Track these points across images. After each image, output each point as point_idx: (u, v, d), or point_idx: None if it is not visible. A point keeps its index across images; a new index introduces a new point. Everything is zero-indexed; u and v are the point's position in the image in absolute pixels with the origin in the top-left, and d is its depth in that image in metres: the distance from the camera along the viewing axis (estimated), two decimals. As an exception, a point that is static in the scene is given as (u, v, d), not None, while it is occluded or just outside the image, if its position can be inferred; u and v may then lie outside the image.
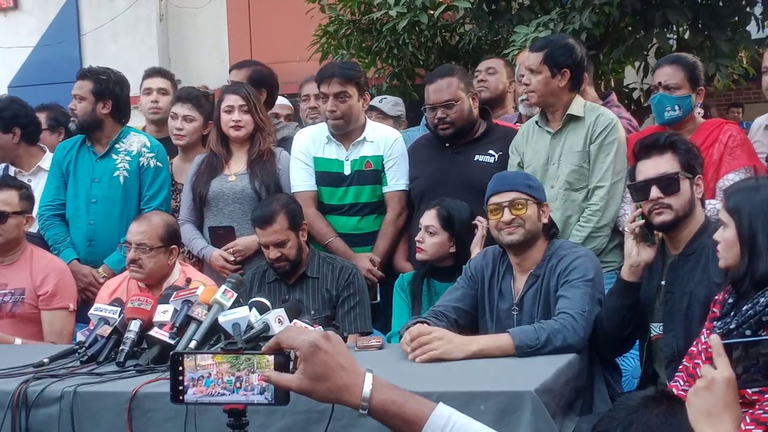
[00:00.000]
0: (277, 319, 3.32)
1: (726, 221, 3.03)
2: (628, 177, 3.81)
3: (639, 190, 3.61)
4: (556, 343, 3.35)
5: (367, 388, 1.72)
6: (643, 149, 3.64)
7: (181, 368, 1.82)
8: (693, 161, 3.60)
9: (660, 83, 4.50)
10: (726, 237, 3.03)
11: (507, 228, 3.70)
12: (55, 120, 6.08)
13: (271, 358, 1.78)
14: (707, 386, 1.78)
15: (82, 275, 4.90)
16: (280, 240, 4.34)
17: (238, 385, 1.80)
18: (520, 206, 3.70)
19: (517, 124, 5.16)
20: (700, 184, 3.62)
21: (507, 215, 3.69)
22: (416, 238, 4.39)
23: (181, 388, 1.82)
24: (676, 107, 4.46)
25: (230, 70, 6.03)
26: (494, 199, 3.75)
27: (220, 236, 4.86)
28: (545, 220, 3.77)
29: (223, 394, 1.81)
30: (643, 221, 3.56)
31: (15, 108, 5.46)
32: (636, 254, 3.54)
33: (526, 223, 3.70)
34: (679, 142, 3.62)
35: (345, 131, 4.90)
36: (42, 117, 5.93)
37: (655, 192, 3.52)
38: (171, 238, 4.43)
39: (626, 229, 3.62)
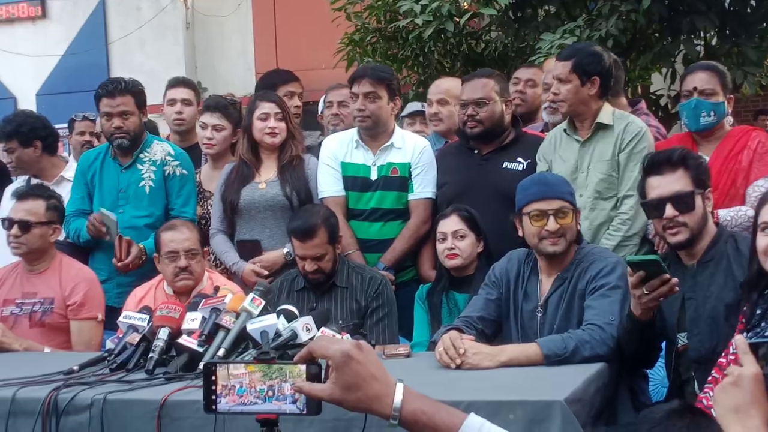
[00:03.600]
0: (304, 327, 3.32)
1: None
2: (639, 192, 3.74)
3: (653, 208, 3.56)
4: (585, 353, 3.33)
5: (398, 398, 1.72)
6: (654, 165, 3.58)
7: (213, 378, 1.83)
8: (703, 175, 3.57)
9: (695, 88, 4.47)
10: None
11: (551, 238, 3.65)
12: None
13: (303, 367, 1.78)
14: (734, 382, 1.77)
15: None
16: (320, 254, 4.33)
17: (270, 394, 1.80)
18: (564, 215, 3.66)
19: (543, 132, 5.15)
20: (710, 197, 3.59)
21: (552, 224, 3.64)
22: (445, 246, 4.35)
23: (213, 397, 1.83)
24: (712, 113, 4.44)
25: (281, 82, 5.97)
26: (539, 206, 3.68)
27: (247, 249, 4.88)
28: (578, 227, 3.76)
29: (256, 404, 1.81)
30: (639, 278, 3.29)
31: (32, 121, 5.50)
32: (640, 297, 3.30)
33: (568, 234, 3.67)
34: (690, 158, 3.58)
35: (373, 132, 4.91)
36: None
37: (670, 211, 3.48)
38: (204, 241, 4.51)
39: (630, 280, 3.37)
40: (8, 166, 5.63)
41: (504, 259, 3.94)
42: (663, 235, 3.56)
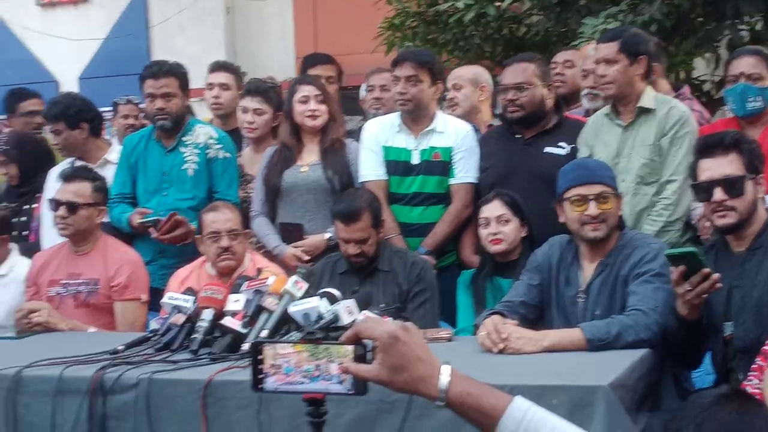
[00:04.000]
0: (346, 310, 3.35)
1: None
2: (690, 174, 3.72)
3: (702, 191, 3.53)
4: (628, 339, 3.31)
5: (445, 379, 1.72)
6: (706, 148, 3.55)
7: (261, 357, 1.84)
8: (756, 160, 3.53)
9: (742, 73, 4.42)
10: None
11: (592, 223, 3.62)
12: None
13: (350, 348, 1.79)
14: None
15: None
16: (363, 237, 4.34)
17: (317, 373, 1.81)
18: (605, 200, 3.64)
19: (585, 117, 5.12)
20: (762, 183, 3.55)
21: (594, 209, 3.61)
22: (489, 231, 4.34)
23: (261, 376, 1.84)
24: (759, 98, 4.40)
25: (312, 64, 6.01)
26: (579, 191, 3.65)
27: (289, 233, 4.90)
28: (620, 213, 3.73)
29: (302, 383, 1.82)
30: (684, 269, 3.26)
31: (79, 103, 5.54)
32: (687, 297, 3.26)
33: (609, 219, 3.64)
34: (743, 142, 3.54)
35: (414, 116, 4.90)
36: None
37: (719, 194, 3.44)
38: (245, 223, 4.56)
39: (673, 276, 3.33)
40: (54, 147, 5.68)
41: (545, 245, 3.92)
42: (711, 218, 3.53)
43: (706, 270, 3.19)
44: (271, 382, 1.84)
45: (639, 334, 3.32)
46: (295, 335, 3.28)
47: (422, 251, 4.75)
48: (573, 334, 3.34)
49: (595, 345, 3.28)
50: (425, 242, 4.81)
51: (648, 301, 3.42)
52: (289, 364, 1.83)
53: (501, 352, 3.29)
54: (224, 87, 5.92)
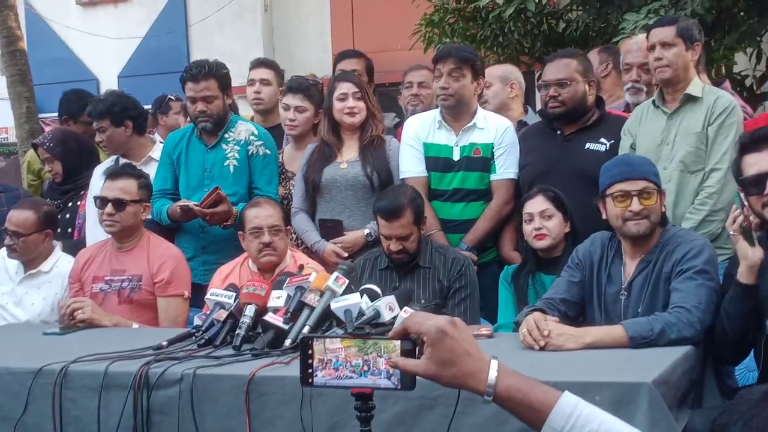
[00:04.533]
0: (387, 306, 3.36)
1: None
2: (733, 170, 3.67)
3: (752, 184, 3.46)
4: (671, 336, 3.29)
5: (493, 374, 1.72)
6: (753, 142, 3.50)
7: (310, 352, 1.85)
8: None
9: None
10: None
11: (635, 219, 3.61)
12: None
13: (398, 343, 1.80)
14: None
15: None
16: (405, 234, 4.35)
17: (365, 368, 1.82)
18: (648, 196, 3.62)
19: (626, 113, 5.09)
20: None
21: (636, 205, 3.60)
22: (533, 227, 4.31)
23: (310, 371, 1.86)
24: None
25: (341, 59, 6.07)
26: (622, 186, 3.65)
27: (329, 229, 4.92)
28: (663, 209, 3.71)
29: (351, 378, 1.84)
30: (742, 217, 3.41)
31: (124, 101, 5.59)
32: (753, 254, 3.37)
33: (652, 215, 3.63)
34: None
35: (455, 112, 4.90)
36: None
37: None
38: (287, 219, 4.60)
39: (731, 231, 3.48)
40: (99, 144, 5.74)
41: (587, 242, 3.90)
42: (761, 213, 3.48)
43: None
44: (320, 377, 1.86)
45: (682, 332, 3.31)
46: (338, 331, 3.29)
47: (463, 247, 4.75)
48: (615, 332, 3.32)
49: (638, 342, 3.26)
50: (466, 238, 4.80)
51: (691, 298, 3.40)
52: (338, 359, 1.84)
53: (542, 348, 3.29)
54: (265, 83, 5.96)
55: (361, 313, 3.35)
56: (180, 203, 5.04)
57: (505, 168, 4.87)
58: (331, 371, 1.84)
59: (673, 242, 3.64)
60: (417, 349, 1.78)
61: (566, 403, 1.69)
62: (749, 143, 3.52)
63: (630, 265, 3.72)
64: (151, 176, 5.14)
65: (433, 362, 1.73)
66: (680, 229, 3.87)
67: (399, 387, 1.81)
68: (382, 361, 1.81)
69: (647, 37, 4.67)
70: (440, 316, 1.80)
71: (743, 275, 3.40)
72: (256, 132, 5.27)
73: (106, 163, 5.57)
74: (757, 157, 3.46)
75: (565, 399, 1.69)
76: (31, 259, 4.96)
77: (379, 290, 3.55)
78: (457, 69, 4.83)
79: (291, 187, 5.26)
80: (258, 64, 6.13)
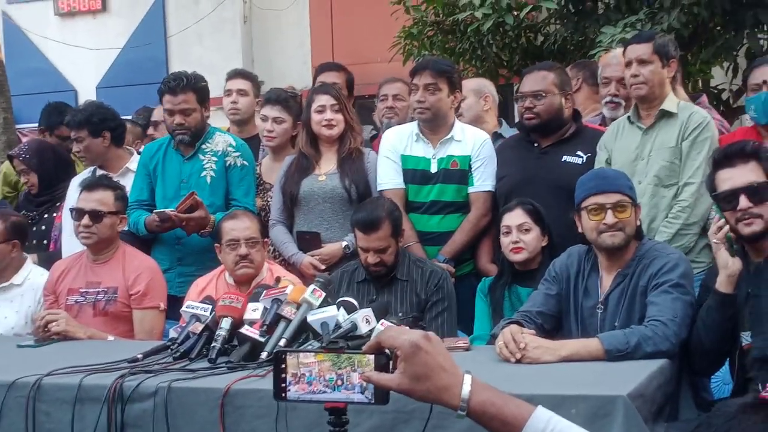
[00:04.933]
0: (364, 319, 3.35)
1: None
2: (707, 185, 3.71)
3: (725, 200, 3.51)
4: (647, 349, 3.30)
5: (466, 389, 1.72)
6: (726, 157, 3.55)
7: (284, 366, 1.84)
8: None
9: (765, 81, 4.44)
10: None
11: (609, 231, 3.63)
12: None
13: (372, 357, 1.79)
14: None
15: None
16: (383, 246, 4.35)
17: (339, 383, 1.81)
18: (623, 209, 3.64)
19: (602, 126, 5.12)
20: None
21: (610, 218, 3.62)
22: (510, 240, 4.33)
23: (283, 385, 1.84)
24: None
25: (321, 71, 6.07)
26: (596, 199, 3.67)
27: (307, 241, 4.92)
28: (638, 223, 3.72)
29: (325, 392, 1.83)
30: (728, 226, 3.48)
31: (103, 112, 5.57)
32: (733, 263, 3.44)
33: (627, 228, 3.65)
34: (763, 151, 3.55)
35: (432, 125, 4.91)
36: None
37: (744, 202, 3.44)
38: (264, 231, 4.60)
39: (714, 240, 3.53)
40: (76, 155, 5.70)
41: (564, 255, 3.92)
42: (736, 228, 3.51)
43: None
44: (294, 391, 1.85)
45: (658, 345, 3.32)
46: (314, 344, 3.28)
47: (441, 259, 4.76)
48: (591, 345, 3.33)
49: (614, 356, 3.27)
50: (444, 250, 4.81)
51: (667, 311, 3.42)
52: (312, 374, 1.83)
53: (519, 361, 3.29)
54: (242, 93, 5.97)
55: (338, 326, 3.34)
56: (157, 211, 5.02)
57: (483, 180, 4.88)
58: (305, 385, 1.83)
59: (649, 256, 3.65)
60: (391, 363, 1.78)
61: (539, 418, 1.68)
62: (722, 159, 3.56)
63: (606, 279, 3.73)
64: (129, 187, 5.12)
65: (407, 377, 1.73)
66: (656, 242, 3.89)
67: (372, 401, 1.80)
68: (356, 375, 1.80)
69: (623, 53, 4.71)
70: (414, 330, 1.79)
71: (722, 284, 3.45)
72: (233, 143, 5.26)
73: (83, 174, 5.54)
74: (730, 172, 3.49)
75: (538, 413, 1.69)
76: (0, 271, 4.92)
77: (356, 303, 3.54)
78: (433, 83, 4.85)
79: (269, 199, 5.25)
80: (235, 74, 6.13)
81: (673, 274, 3.53)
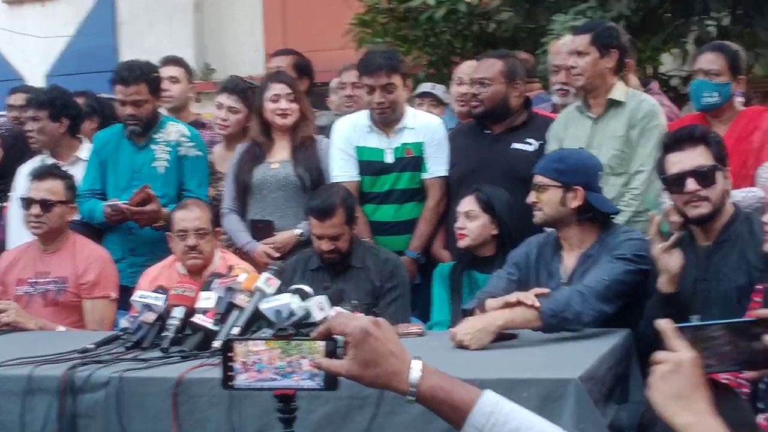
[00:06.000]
0: (318, 306, 3.34)
1: None
2: (657, 169, 3.78)
3: (673, 183, 3.59)
4: (576, 308, 3.39)
5: (416, 374, 1.72)
6: (675, 141, 3.62)
7: (231, 354, 1.84)
8: (723, 153, 3.60)
9: (701, 69, 4.49)
10: None
11: (534, 210, 3.81)
12: (91, 107, 6.10)
13: (322, 343, 1.79)
14: (674, 369, 1.68)
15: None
16: (337, 234, 4.34)
17: (289, 370, 1.81)
18: (541, 190, 3.77)
19: (552, 113, 5.16)
20: (729, 176, 3.62)
21: (531, 197, 3.80)
22: (456, 225, 4.37)
23: (231, 374, 1.84)
24: (715, 93, 4.45)
25: (272, 57, 6.04)
26: (534, 179, 3.84)
27: (260, 229, 4.90)
28: (574, 205, 3.75)
29: (275, 380, 1.82)
30: (659, 216, 3.53)
31: (66, 98, 5.52)
32: (674, 264, 3.49)
33: (545, 208, 3.76)
34: (711, 135, 3.62)
35: (390, 120, 4.91)
36: (80, 103, 5.98)
37: (692, 184, 3.50)
38: (216, 221, 4.59)
39: (650, 232, 3.57)
40: (28, 135, 5.56)
41: (523, 245, 3.99)
42: (683, 210, 3.56)
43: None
44: (242, 380, 1.84)
45: (584, 306, 3.41)
46: (267, 332, 3.27)
47: (414, 255, 4.80)
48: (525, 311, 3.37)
49: (548, 318, 3.33)
50: (413, 245, 4.84)
51: (599, 274, 3.51)
52: (261, 362, 1.83)
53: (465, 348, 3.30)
54: (174, 80, 5.91)
55: (291, 314, 3.33)
56: (108, 202, 4.97)
57: (437, 166, 4.90)
58: (255, 373, 1.83)
59: (612, 237, 3.72)
60: (341, 349, 1.78)
61: (487, 402, 1.69)
62: (672, 143, 3.62)
63: (569, 260, 3.79)
64: (78, 176, 5.06)
65: (356, 362, 1.73)
66: (623, 226, 3.94)
67: (322, 387, 1.80)
68: (305, 362, 1.80)
69: None
70: (364, 316, 1.79)
71: (664, 284, 3.51)
72: (187, 133, 5.23)
73: (31, 163, 5.47)
74: (679, 156, 3.55)
75: (486, 397, 1.70)
76: None
77: (310, 290, 3.53)
78: (390, 82, 4.85)
79: (221, 188, 5.22)
80: (166, 62, 6.05)
81: (624, 248, 3.62)
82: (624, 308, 3.60)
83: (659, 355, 1.71)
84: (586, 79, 4.53)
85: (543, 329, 3.37)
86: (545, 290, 3.46)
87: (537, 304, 3.32)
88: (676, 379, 1.68)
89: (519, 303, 3.36)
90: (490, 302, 3.45)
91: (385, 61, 4.94)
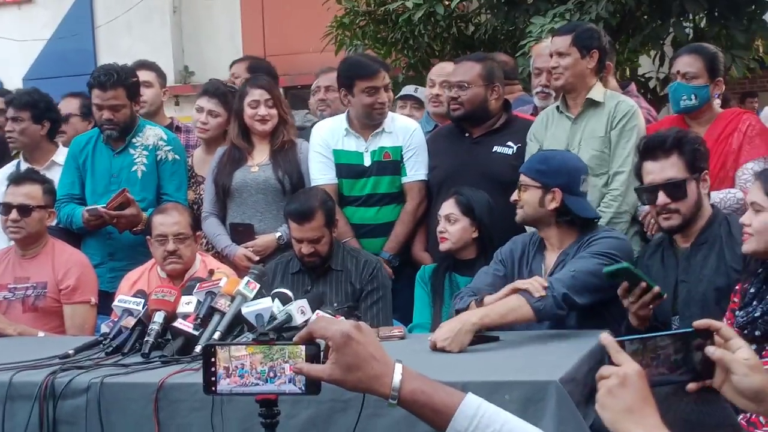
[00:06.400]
0: (299, 310, 3.35)
1: (763, 205, 3.03)
2: (635, 176, 3.81)
3: (646, 194, 3.65)
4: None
5: (397, 378, 1.73)
6: (647, 149, 3.65)
7: (213, 360, 1.84)
8: (699, 159, 3.62)
9: (678, 71, 4.52)
10: (762, 221, 3.03)
11: (517, 207, 3.86)
12: (87, 108, 6.06)
13: (303, 348, 1.79)
14: (621, 383, 1.69)
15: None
16: (316, 237, 4.34)
17: (271, 375, 1.81)
18: (523, 189, 3.81)
19: (533, 116, 5.17)
20: (707, 179, 3.65)
21: (514, 195, 3.86)
22: (438, 229, 4.38)
23: (213, 379, 1.84)
24: (693, 96, 4.48)
25: (230, 66, 6.08)
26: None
27: (240, 233, 4.89)
28: (551, 206, 3.77)
29: (257, 385, 1.83)
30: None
31: (48, 101, 5.51)
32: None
33: (525, 207, 3.81)
34: (685, 142, 3.62)
35: (374, 122, 4.93)
36: (75, 104, 5.97)
37: (662, 198, 3.54)
38: (196, 225, 4.57)
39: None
40: (8, 135, 5.53)
41: (508, 243, 4.02)
42: (657, 220, 3.61)
43: (644, 284, 3.37)
44: (225, 385, 1.84)
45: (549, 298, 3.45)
46: (248, 336, 3.27)
47: (386, 256, 4.78)
48: (512, 302, 3.43)
49: (539, 310, 3.40)
50: (388, 247, 4.84)
51: (563, 272, 3.55)
52: (243, 367, 1.83)
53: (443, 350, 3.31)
54: (146, 84, 5.87)
55: (272, 318, 3.33)
56: (87, 208, 4.95)
57: (416, 170, 4.91)
58: (237, 379, 1.83)
59: (592, 236, 3.74)
60: (322, 353, 1.78)
61: (469, 405, 1.70)
62: (645, 150, 3.65)
63: (550, 259, 3.82)
64: (55, 180, 5.04)
65: (338, 367, 1.73)
66: (605, 227, 3.96)
67: (304, 391, 1.81)
68: (287, 366, 1.80)
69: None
70: (345, 320, 1.80)
71: (632, 320, 3.52)
72: (165, 137, 5.21)
73: (7, 168, 5.44)
74: (652, 166, 3.60)
75: (468, 400, 1.71)
76: None
77: (291, 294, 3.53)
78: (387, 83, 4.93)
79: (201, 192, 5.21)
80: (139, 66, 6.00)
81: (600, 246, 3.63)
82: (607, 305, 3.63)
83: (604, 369, 1.72)
84: (566, 79, 4.55)
85: (530, 319, 3.42)
86: (543, 281, 3.50)
87: (543, 293, 3.39)
88: (623, 392, 1.68)
89: (516, 291, 3.43)
90: (489, 298, 3.49)
91: (381, 65, 5.06)
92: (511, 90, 5.62)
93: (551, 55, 4.63)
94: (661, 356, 1.81)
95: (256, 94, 4.96)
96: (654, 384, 1.75)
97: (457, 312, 3.61)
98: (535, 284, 3.44)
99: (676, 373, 1.82)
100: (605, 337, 1.77)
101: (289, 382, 1.81)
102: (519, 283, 3.48)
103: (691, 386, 1.81)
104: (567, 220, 3.79)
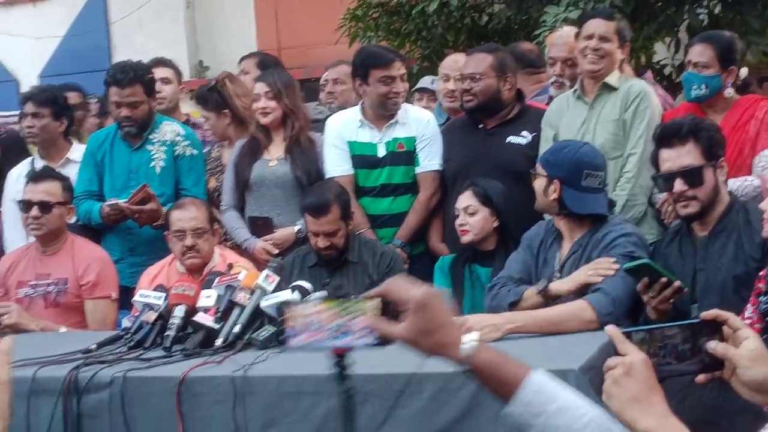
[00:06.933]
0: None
1: None
2: (652, 164, 3.79)
3: (663, 182, 3.64)
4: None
5: (471, 346, 1.76)
6: (663, 137, 3.63)
7: (285, 318, 1.90)
8: (715, 146, 3.60)
9: (690, 61, 4.51)
10: None
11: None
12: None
13: (376, 303, 1.83)
14: (627, 372, 1.69)
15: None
16: (332, 230, 4.35)
17: (344, 330, 1.88)
18: (534, 177, 3.86)
19: (548, 105, 5.16)
20: (724, 165, 3.63)
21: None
22: (458, 223, 4.37)
23: (285, 336, 1.90)
24: (703, 86, 4.46)
25: (239, 62, 6.08)
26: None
27: (259, 226, 4.91)
28: (552, 197, 3.78)
29: (330, 339, 1.91)
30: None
31: (66, 99, 5.56)
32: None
33: (537, 195, 3.86)
34: (701, 129, 3.60)
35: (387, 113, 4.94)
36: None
37: (679, 185, 3.52)
38: (213, 219, 4.60)
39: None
40: (27, 130, 5.55)
41: (535, 227, 4.03)
42: (674, 207, 3.60)
43: (664, 279, 3.35)
44: (299, 340, 1.92)
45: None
46: (270, 329, 3.29)
47: (397, 243, 4.79)
48: (576, 307, 3.45)
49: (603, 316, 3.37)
50: (399, 234, 4.84)
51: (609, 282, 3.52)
52: (317, 322, 1.90)
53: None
54: (165, 81, 5.90)
55: (292, 309, 3.35)
56: (108, 202, 4.98)
57: (429, 160, 4.91)
58: (311, 334, 1.89)
59: (605, 229, 3.72)
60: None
61: (535, 380, 1.72)
62: (661, 137, 3.63)
63: (565, 248, 3.82)
64: (70, 178, 5.07)
65: (415, 330, 1.75)
66: (617, 217, 3.95)
67: (378, 343, 1.87)
68: (359, 321, 1.85)
69: (581, 26, 4.72)
70: (421, 286, 1.82)
71: (650, 314, 3.49)
72: (182, 132, 5.24)
73: (21, 166, 5.48)
74: (668, 153, 3.58)
75: (534, 375, 1.73)
76: None
77: (309, 287, 3.55)
78: (404, 72, 4.94)
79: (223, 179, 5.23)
80: (156, 63, 6.02)
81: (618, 249, 3.60)
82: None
83: (610, 361, 1.74)
84: (605, 64, 4.54)
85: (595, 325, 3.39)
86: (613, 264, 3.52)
87: (610, 272, 3.44)
88: (630, 382, 1.70)
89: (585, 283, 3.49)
90: (556, 284, 3.57)
91: (398, 55, 5.09)
92: (539, 78, 5.59)
93: (589, 37, 4.57)
94: (668, 346, 1.81)
95: (258, 87, 5.02)
96: (663, 374, 1.76)
97: (511, 306, 3.63)
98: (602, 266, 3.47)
99: (684, 363, 1.83)
100: (610, 329, 1.78)
101: (363, 335, 1.88)
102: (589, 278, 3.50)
103: (700, 378, 1.82)
104: (567, 213, 3.79)
